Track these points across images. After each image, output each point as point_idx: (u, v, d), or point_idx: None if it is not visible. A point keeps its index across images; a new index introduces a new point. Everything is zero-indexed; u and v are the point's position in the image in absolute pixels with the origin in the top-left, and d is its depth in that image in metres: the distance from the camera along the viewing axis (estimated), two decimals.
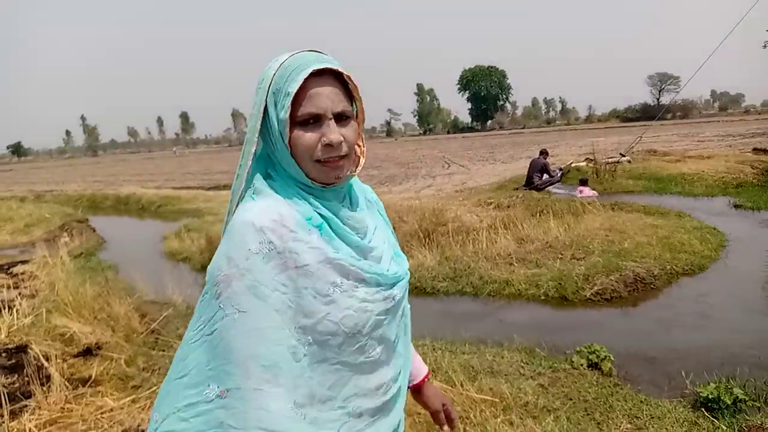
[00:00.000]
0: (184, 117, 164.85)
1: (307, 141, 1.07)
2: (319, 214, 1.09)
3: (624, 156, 17.32)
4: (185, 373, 1.03)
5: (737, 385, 3.51)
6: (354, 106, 1.15)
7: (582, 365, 4.01)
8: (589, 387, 3.68)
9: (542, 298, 5.93)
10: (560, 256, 6.95)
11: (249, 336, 0.98)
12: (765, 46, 17.16)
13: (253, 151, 1.11)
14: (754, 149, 19.66)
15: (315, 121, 1.07)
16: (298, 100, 1.05)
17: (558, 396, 3.55)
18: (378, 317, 1.11)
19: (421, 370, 1.45)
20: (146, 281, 6.71)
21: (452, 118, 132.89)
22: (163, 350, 4.51)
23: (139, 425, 3.28)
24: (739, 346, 4.52)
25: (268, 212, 1.04)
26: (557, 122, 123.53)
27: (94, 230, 13.03)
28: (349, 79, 1.11)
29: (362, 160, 1.21)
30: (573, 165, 16.85)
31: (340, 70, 1.09)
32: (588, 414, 3.32)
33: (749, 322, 5.13)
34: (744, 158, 17.01)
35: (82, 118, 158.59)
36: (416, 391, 1.44)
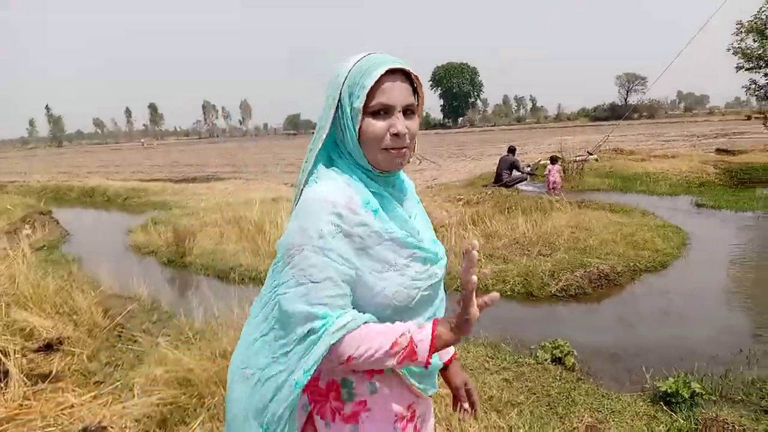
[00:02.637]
0: (153, 108, 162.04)
1: (377, 129, 1.20)
2: (376, 198, 1.23)
3: (591, 154, 17.59)
4: (268, 331, 1.21)
5: (695, 380, 3.61)
6: (417, 101, 1.28)
7: (546, 360, 4.07)
8: (553, 381, 3.75)
9: (509, 293, 6.00)
10: (527, 252, 7.04)
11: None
12: (728, 50, 17.59)
13: (324, 137, 1.25)
14: (717, 149, 20.19)
15: (385, 112, 1.21)
16: (372, 93, 1.19)
17: (522, 390, 3.60)
18: (424, 293, 1.25)
19: (449, 349, 1.53)
20: (111, 275, 6.58)
21: (424, 114, 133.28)
22: (128, 344, 4.43)
23: (100, 421, 3.22)
24: (697, 341, 4.64)
25: (339, 193, 1.19)
26: (527, 120, 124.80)
27: (57, 222, 12.73)
28: (416, 78, 1.26)
29: (414, 152, 1.32)
30: (541, 163, 17.06)
31: (410, 69, 1.23)
32: (551, 408, 3.38)
33: (708, 318, 5.28)
34: (707, 158, 17.45)
35: (47, 107, 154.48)
36: (443, 368, 1.52)
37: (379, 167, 1.24)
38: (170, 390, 3.36)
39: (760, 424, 3.14)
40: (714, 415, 3.23)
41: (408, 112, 1.23)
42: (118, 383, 3.69)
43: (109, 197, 18.11)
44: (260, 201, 10.22)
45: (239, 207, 11.02)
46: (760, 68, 17.47)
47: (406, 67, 1.23)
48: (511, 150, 14.19)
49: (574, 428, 3.14)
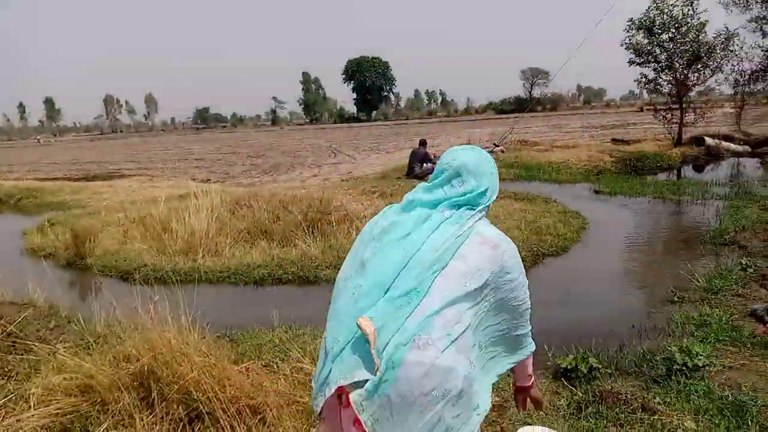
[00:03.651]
0: (50, 103, 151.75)
1: None
2: None
3: (498, 146, 18.25)
4: (507, 326, 1.88)
5: (592, 356, 3.84)
6: None
7: None
8: None
9: None
10: None
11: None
12: (621, 45, 18.73)
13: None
14: (613, 139, 21.48)
15: None
16: None
17: None
18: None
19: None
20: (3, 281, 6.12)
21: (338, 108, 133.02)
22: (22, 354, 4.16)
23: None
24: (595, 320, 4.94)
25: None
26: (438, 114, 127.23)
27: None
28: None
29: None
30: None
31: None
32: None
33: (605, 297, 5.64)
34: (604, 148, 18.56)
35: None
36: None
37: None
38: (70, 398, 3.19)
39: (649, 392, 3.38)
40: (609, 387, 3.46)
41: None
42: (12, 395, 3.45)
43: (0, 198, 16.84)
44: (166, 198, 9.85)
45: (144, 205, 10.59)
46: (649, 63, 18.70)
47: None
48: (422, 143, 14.46)
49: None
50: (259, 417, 3.01)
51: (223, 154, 33.51)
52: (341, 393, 1.55)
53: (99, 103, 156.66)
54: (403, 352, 1.48)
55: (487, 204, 1.83)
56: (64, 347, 3.94)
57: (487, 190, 1.83)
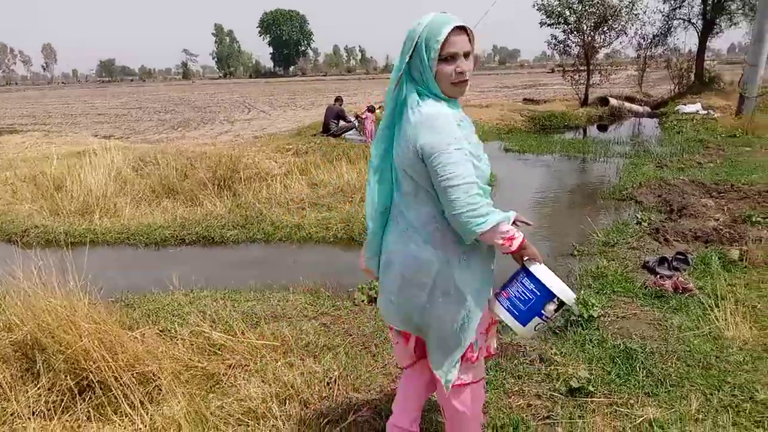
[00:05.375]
0: None
1: (447, 70, 1.76)
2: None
3: None
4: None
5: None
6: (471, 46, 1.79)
7: (363, 301, 4.17)
8: (368, 321, 3.84)
9: (331, 240, 6.06)
10: (350, 199, 7.16)
11: (467, 168, 1.72)
12: (533, 6, 19.05)
13: (401, 74, 1.80)
14: (524, 99, 22.09)
15: (452, 57, 1.75)
16: (443, 45, 1.72)
17: (338, 333, 3.65)
18: None
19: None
20: None
21: (254, 62, 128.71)
22: None
23: None
24: (500, 272, 5.00)
25: (451, 112, 1.79)
26: (357, 70, 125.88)
27: None
28: (470, 32, 1.78)
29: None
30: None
31: (467, 26, 1.77)
32: (365, 348, 3.47)
33: None
34: (516, 107, 19.01)
35: None
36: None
37: (448, 95, 1.80)
38: None
39: (547, 343, 3.49)
40: (509, 339, 3.55)
41: (467, 55, 1.77)
42: None
43: None
44: (63, 155, 9.18)
45: (37, 162, 9.83)
46: (559, 24, 19.15)
47: (465, 24, 1.75)
48: (338, 99, 14.20)
49: (386, 364, 3.27)
50: (153, 384, 2.87)
51: (129, 109, 31.73)
52: None
53: None
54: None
55: (419, 71, 1.76)
56: None
57: (407, 56, 1.77)
